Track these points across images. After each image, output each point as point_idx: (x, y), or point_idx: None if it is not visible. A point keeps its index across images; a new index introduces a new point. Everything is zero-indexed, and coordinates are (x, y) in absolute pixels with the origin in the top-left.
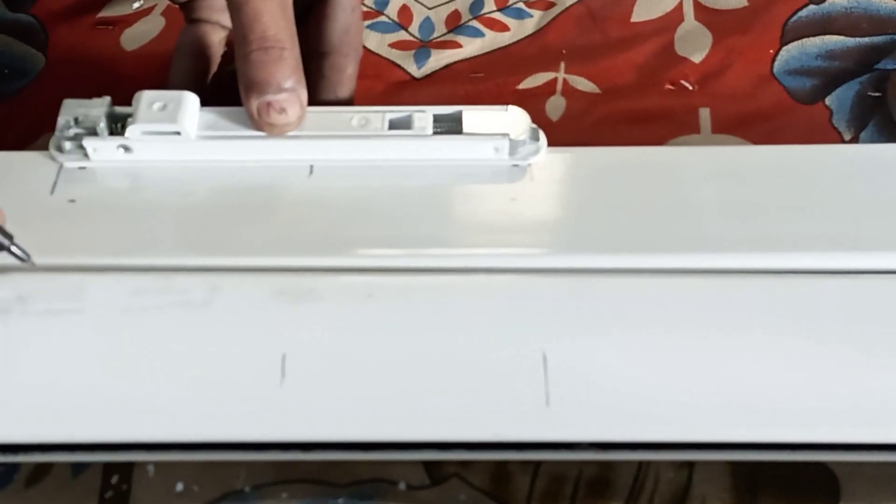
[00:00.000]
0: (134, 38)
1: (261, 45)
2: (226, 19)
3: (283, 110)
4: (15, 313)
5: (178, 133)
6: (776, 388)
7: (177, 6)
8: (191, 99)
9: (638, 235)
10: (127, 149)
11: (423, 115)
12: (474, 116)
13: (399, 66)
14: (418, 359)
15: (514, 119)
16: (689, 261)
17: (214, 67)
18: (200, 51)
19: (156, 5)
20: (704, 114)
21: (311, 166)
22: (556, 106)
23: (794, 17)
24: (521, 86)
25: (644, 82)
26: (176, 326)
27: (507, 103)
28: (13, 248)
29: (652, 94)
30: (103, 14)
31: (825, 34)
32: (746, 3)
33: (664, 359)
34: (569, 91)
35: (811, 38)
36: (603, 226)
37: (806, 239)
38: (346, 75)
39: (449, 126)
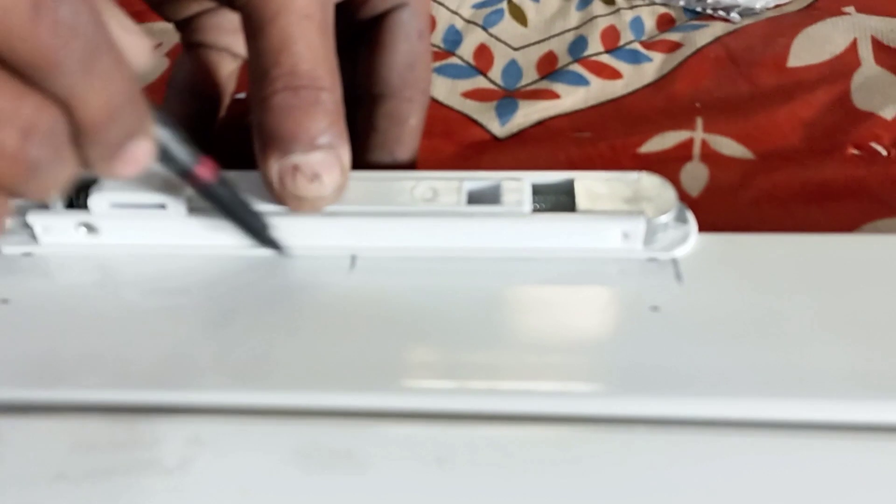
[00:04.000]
0: None
1: (289, 83)
2: (238, 44)
3: (315, 176)
4: None
5: (164, 206)
6: None
7: (175, 29)
8: None
9: (850, 371)
10: (90, 228)
11: (518, 185)
12: (592, 187)
13: (476, 121)
14: None
15: (651, 191)
16: None
17: (221, 112)
18: (201, 88)
19: (161, 43)
20: None
21: (353, 257)
22: (694, 176)
23: None
24: (644, 148)
25: (817, 146)
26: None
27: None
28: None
29: (831, 160)
30: None
31: None
32: None
33: None
34: (711, 156)
35: None
36: (795, 355)
37: None
38: (407, 128)
39: (555, 200)
